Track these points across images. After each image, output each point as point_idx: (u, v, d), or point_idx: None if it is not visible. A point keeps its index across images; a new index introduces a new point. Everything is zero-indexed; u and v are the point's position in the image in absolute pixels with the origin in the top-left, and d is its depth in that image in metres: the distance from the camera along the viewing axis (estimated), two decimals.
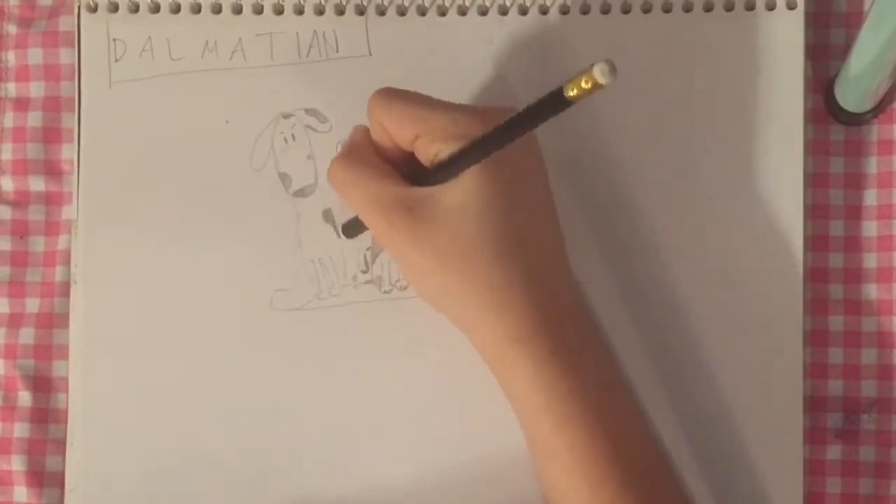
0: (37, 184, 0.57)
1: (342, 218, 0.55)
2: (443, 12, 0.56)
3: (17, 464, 0.55)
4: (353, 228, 0.54)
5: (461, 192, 0.47)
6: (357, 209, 0.50)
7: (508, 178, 0.48)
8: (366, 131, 0.51)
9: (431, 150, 0.48)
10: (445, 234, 0.47)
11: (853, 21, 0.56)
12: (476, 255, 0.47)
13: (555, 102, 0.42)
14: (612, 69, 0.40)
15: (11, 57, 0.57)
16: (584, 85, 0.40)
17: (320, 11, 0.56)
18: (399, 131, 0.49)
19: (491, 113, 0.48)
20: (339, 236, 0.55)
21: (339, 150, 0.54)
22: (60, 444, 0.55)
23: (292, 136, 0.56)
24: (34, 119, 0.57)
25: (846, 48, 0.54)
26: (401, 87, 0.50)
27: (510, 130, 0.45)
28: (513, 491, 0.53)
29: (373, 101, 0.50)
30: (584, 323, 0.50)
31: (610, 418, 0.48)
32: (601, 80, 0.40)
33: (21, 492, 0.55)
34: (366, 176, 0.49)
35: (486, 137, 0.46)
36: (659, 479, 0.49)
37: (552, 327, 0.48)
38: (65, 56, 0.57)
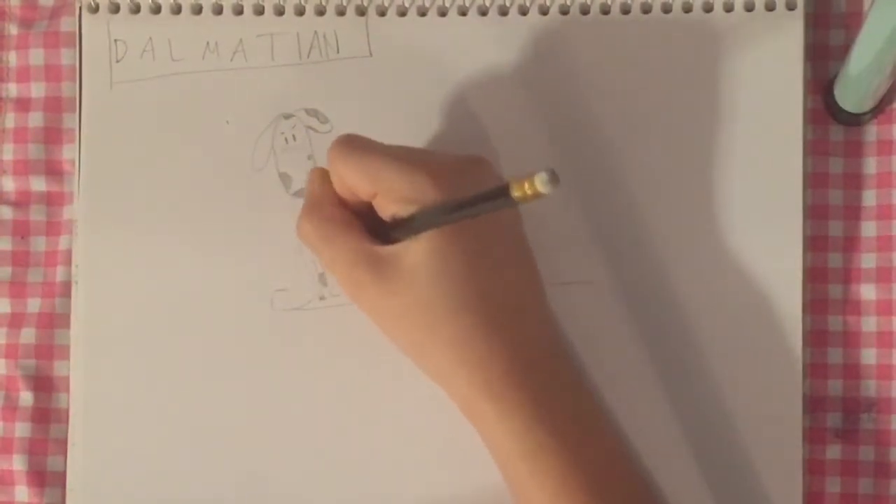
0: (38, 184, 0.57)
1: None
2: (443, 13, 0.56)
3: (18, 463, 0.55)
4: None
5: (420, 251, 0.48)
6: (326, 265, 0.51)
7: (469, 237, 0.48)
8: (324, 178, 0.52)
9: (389, 210, 0.49)
10: (409, 292, 0.48)
11: (853, 21, 0.56)
12: (438, 311, 0.48)
13: (499, 197, 0.44)
14: (554, 179, 0.41)
15: (13, 57, 0.57)
16: (527, 190, 0.42)
17: (321, 12, 0.56)
18: (358, 185, 0.50)
19: (457, 171, 0.49)
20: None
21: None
22: (62, 444, 0.55)
23: (293, 136, 0.56)
24: (35, 119, 0.57)
25: (846, 48, 0.54)
26: (361, 138, 0.50)
27: (456, 213, 0.47)
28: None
29: (332, 152, 0.50)
30: (559, 365, 0.50)
31: (589, 461, 0.48)
32: (542, 189, 0.41)
33: (22, 491, 0.55)
34: (333, 232, 0.50)
35: (435, 213, 0.47)
36: None
37: (522, 377, 0.48)
38: (66, 57, 0.57)
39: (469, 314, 0.48)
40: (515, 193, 0.43)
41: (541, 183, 0.41)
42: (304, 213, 0.51)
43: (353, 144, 0.50)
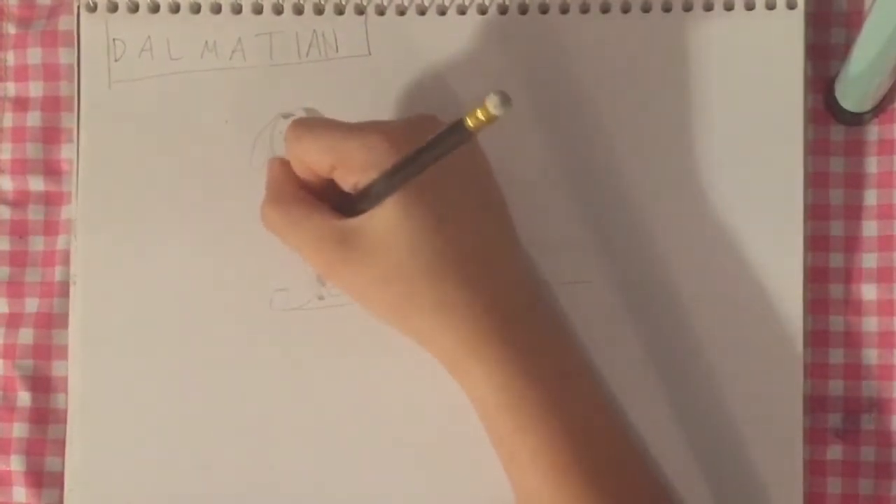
0: (36, 184, 0.57)
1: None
2: (442, 11, 0.55)
3: (16, 464, 0.55)
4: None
5: (386, 217, 0.47)
6: (295, 249, 0.51)
7: (434, 193, 0.48)
8: (284, 165, 0.52)
9: (350, 181, 0.49)
10: (380, 261, 0.48)
11: (853, 21, 0.56)
12: (412, 274, 0.48)
13: (456, 133, 0.44)
14: (506, 100, 0.41)
15: (11, 57, 0.57)
16: (479, 116, 0.42)
17: (320, 11, 0.56)
18: (316, 163, 0.50)
19: (409, 129, 0.49)
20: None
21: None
22: (60, 445, 0.55)
23: None
24: (33, 119, 0.57)
25: (846, 48, 0.54)
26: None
27: (419, 160, 0.46)
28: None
29: (288, 135, 0.51)
30: (540, 320, 0.50)
31: (572, 414, 0.48)
32: (494, 111, 0.41)
33: (20, 492, 0.55)
34: (297, 214, 0.50)
35: (396, 168, 0.47)
36: (628, 470, 0.49)
37: (502, 331, 0.48)
38: (64, 56, 0.57)
39: (447, 275, 0.48)
40: (470, 123, 0.43)
41: (493, 105, 0.41)
42: (266, 201, 0.51)
43: (307, 123, 0.51)
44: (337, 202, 0.50)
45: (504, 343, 0.48)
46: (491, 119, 0.42)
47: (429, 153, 0.46)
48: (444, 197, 0.48)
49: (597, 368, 0.53)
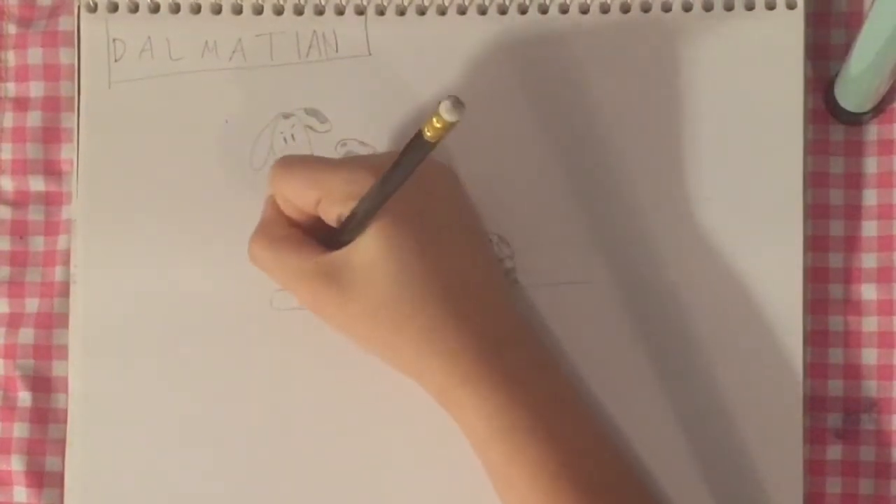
0: (36, 184, 0.57)
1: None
2: (442, 12, 0.55)
3: (16, 464, 0.55)
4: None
5: (369, 247, 0.48)
6: (282, 285, 0.51)
7: (415, 220, 0.48)
8: (271, 202, 0.52)
9: (334, 212, 0.49)
10: (367, 294, 0.48)
11: (853, 21, 0.56)
12: (403, 306, 0.48)
13: (418, 146, 0.44)
14: (457, 104, 0.41)
15: (11, 57, 0.57)
16: (436, 125, 0.42)
17: (320, 11, 0.56)
18: (301, 199, 0.50)
19: (389, 160, 0.48)
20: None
21: (338, 152, 0.54)
22: (60, 445, 0.55)
23: (292, 136, 0.56)
24: (34, 119, 0.57)
25: (846, 48, 0.54)
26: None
27: (389, 180, 0.46)
28: None
29: (272, 174, 0.51)
30: (528, 349, 0.50)
31: (564, 441, 0.48)
32: (448, 117, 0.41)
33: (20, 492, 0.55)
34: (283, 250, 0.50)
35: (373, 191, 0.47)
36: (623, 492, 0.49)
37: (493, 359, 0.48)
38: (64, 56, 0.57)
39: (434, 303, 0.48)
40: (428, 133, 0.43)
41: (446, 111, 0.41)
42: (254, 239, 0.52)
43: (290, 161, 0.51)
44: (324, 238, 0.50)
45: (493, 370, 0.48)
46: (447, 126, 0.42)
47: (398, 171, 0.46)
48: (426, 223, 0.49)
49: (584, 391, 0.53)
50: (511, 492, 0.48)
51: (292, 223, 0.52)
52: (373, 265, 0.48)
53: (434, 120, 0.42)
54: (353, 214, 0.48)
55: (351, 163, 0.50)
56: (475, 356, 0.48)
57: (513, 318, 0.50)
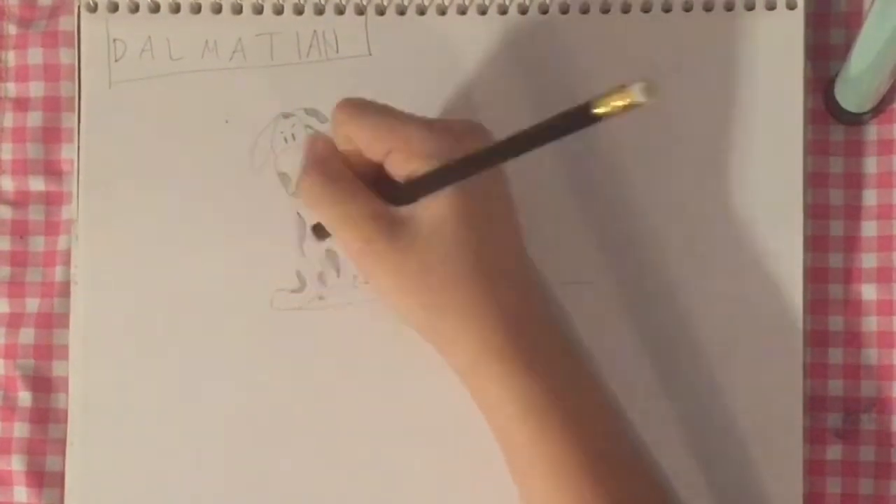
0: (37, 184, 0.57)
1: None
2: (442, 11, 0.56)
3: (16, 464, 0.55)
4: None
5: (440, 212, 0.47)
6: (332, 227, 0.49)
7: (482, 197, 0.48)
8: (328, 142, 0.50)
9: (407, 167, 0.47)
10: (426, 254, 0.47)
11: (853, 21, 0.56)
12: (456, 272, 0.47)
13: (577, 118, 0.41)
14: (653, 88, 0.39)
15: (11, 57, 0.57)
16: (616, 102, 0.39)
17: (320, 11, 0.56)
18: (371, 144, 0.48)
19: (460, 130, 0.48)
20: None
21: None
22: (60, 444, 0.55)
23: (292, 135, 0.56)
24: (34, 119, 0.57)
25: (846, 48, 0.54)
26: (380, 96, 0.49)
27: (501, 152, 0.45)
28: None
29: (340, 113, 0.49)
30: (559, 331, 0.49)
31: (588, 420, 0.48)
32: (641, 97, 0.39)
33: (21, 492, 0.55)
34: (341, 193, 0.48)
35: (467, 160, 0.45)
36: (641, 479, 0.49)
37: (526, 338, 0.48)
38: (65, 56, 0.57)
39: (483, 279, 0.47)
40: (599, 109, 0.40)
41: (640, 91, 0.39)
42: (307, 171, 0.49)
43: (361, 104, 0.49)
44: (376, 189, 0.49)
45: (526, 349, 0.47)
46: (629, 107, 0.39)
47: (536, 136, 0.43)
48: (488, 203, 0.48)
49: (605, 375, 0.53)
50: (532, 471, 0.47)
51: (348, 167, 0.50)
52: (437, 228, 0.47)
53: (616, 96, 0.39)
54: (434, 174, 0.46)
55: (432, 120, 0.48)
56: (507, 335, 0.47)
57: (541, 302, 0.50)
